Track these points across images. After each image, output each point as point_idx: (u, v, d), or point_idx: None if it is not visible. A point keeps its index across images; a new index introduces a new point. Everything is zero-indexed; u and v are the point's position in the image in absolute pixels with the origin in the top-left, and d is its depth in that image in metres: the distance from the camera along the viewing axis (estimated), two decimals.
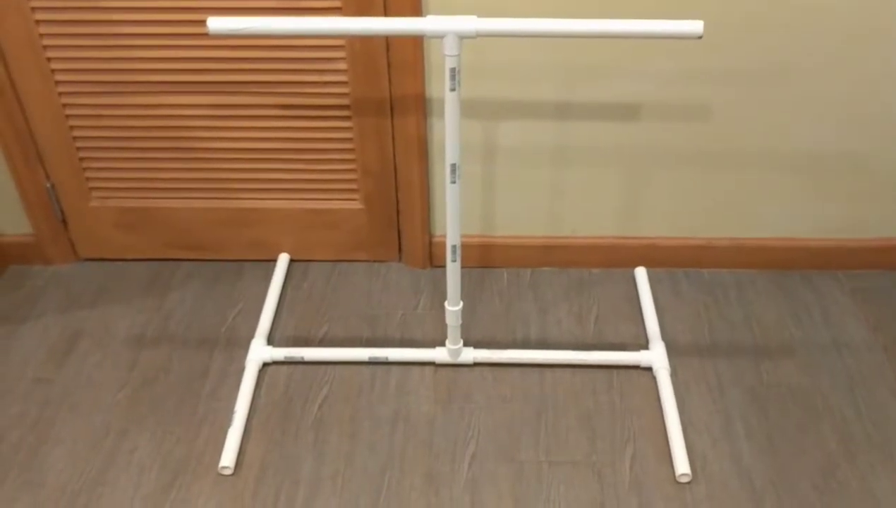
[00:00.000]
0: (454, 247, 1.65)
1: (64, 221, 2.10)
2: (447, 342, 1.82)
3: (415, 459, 1.68)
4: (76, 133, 1.94)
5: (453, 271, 1.69)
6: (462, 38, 1.41)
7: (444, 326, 1.96)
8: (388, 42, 1.78)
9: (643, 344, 1.91)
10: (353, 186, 2.02)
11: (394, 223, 2.08)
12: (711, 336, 1.93)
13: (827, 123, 1.88)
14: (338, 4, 1.72)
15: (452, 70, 1.43)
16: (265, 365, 1.87)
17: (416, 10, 1.71)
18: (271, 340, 1.94)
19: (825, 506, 1.57)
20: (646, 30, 1.38)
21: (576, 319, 1.98)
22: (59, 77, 1.85)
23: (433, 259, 2.13)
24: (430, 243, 2.10)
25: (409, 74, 1.81)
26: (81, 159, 1.98)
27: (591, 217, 2.05)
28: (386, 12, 1.73)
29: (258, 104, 1.88)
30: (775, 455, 1.67)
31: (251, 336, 1.94)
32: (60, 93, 1.88)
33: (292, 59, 1.82)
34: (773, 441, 1.69)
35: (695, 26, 1.37)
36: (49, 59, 1.83)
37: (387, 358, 1.86)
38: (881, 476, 1.62)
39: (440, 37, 1.41)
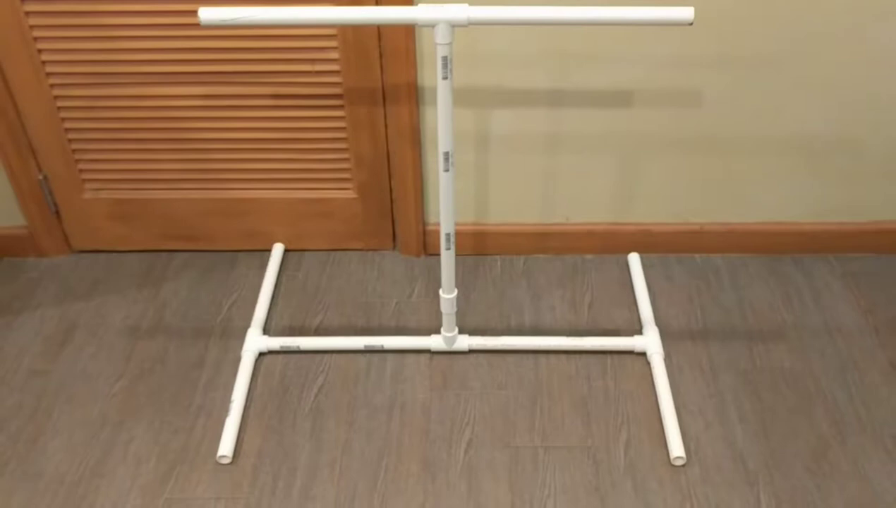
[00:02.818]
0: (448, 235, 1.66)
1: (57, 213, 2.09)
2: (442, 329, 1.83)
3: (411, 446, 1.69)
4: (68, 124, 1.93)
5: (447, 259, 1.70)
6: (454, 26, 1.41)
7: (438, 314, 1.97)
8: (380, 31, 1.78)
9: (637, 330, 1.92)
10: (347, 175, 2.02)
11: (388, 212, 2.08)
12: (704, 320, 1.94)
13: (819, 108, 1.89)
14: None
15: (444, 58, 1.43)
16: (261, 354, 1.88)
17: None
18: (267, 330, 1.95)
19: (817, 488, 1.59)
20: (637, 17, 1.38)
21: (570, 305, 1.99)
22: (49, 68, 1.85)
23: (427, 247, 2.13)
24: (424, 231, 2.11)
25: (401, 63, 1.81)
26: (74, 151, 1.98)
27: (584, 203, 2.06)
28: (377, 1, 1.73)
29: (250, 94, 1.88)
30: (768, 437, 1.68)
31: (247, 326, 1.95)
32: (52, 85, 1.87)
33: (284, 48, 1.81)
34: (766, 424, 1.71)
35: (685, 13, 1.38)
36: (40, 51, 1.82)
37: (382, 347, 1.87)
38: (872, 458, 1.64)
39: (432, 25, 1.41)
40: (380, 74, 1.85)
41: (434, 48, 1.78)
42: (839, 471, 1.62)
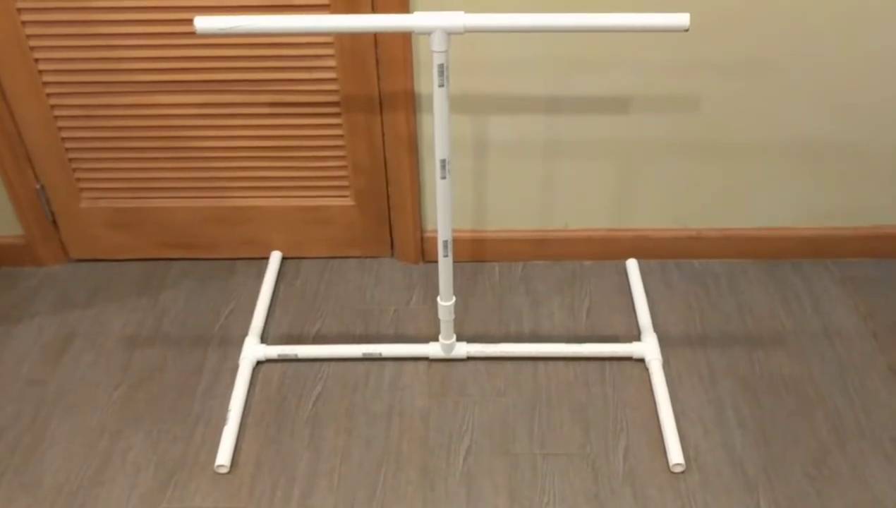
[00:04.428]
0: (446, 242, 1.66)
1: (54, 222, 2.09)
2: (440, 337, 1.83)
3: (410, 454, 1.68)
4: (65, 134, 1.93)
5: (445, 266, 1.70)
6: (450, 34, 1.41)
7: (437, 321, 1.97)
8: (377, 38, 1.78)
9: (635, 336, 1.92)
10: (345, 183, 2.02)
11: (385, 219, 2.08)
12: (703, 326, 1.94)
13: (817, 113, 1.89)
14: (326, 2, 1.72)
15: (440, 66, 1.43)
16: (259, 362, 1.88)
17: (404, 7, 1.71)
18: (265, 338, 1.94)
19: (817, 493, 1.59)
20: (633, 23, 1.39)
21: (568, 312, 1.99)
22: (46, 78, 1.85)
23: (425, 254, 2.13)
24: (422, 238, 2.10)
25: (398, 71, 1.81)
26: (71, 160, 1.98)
27: (582, 210, 2.06)
28: (374, 9, 1.73)
29: (248, 102, 1.88)
30: (767, 443, 1.68)
31: (245, 334, 1.94)
32: (49, 94, 1.87)
33: (281, 56, 1.82)
34: (766, 430, 1.70)
35: (681, 19, 1.38)
36: (36, 60, 1.82)
37: (380, 354, 1.86)
38: (872, 464, 1.64)
39: (428, 33, 1.41)
40: (377, 82, 1.85)
41: (431, 56, 1.78)
42: (839, 476, 1.62)
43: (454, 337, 1.83)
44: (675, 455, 1.64)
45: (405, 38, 1.77)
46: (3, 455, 1.70)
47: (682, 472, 1.63)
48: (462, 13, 1.39)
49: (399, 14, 1.42)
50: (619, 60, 1.81)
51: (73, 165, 1.99)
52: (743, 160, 1.96)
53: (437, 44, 1.41)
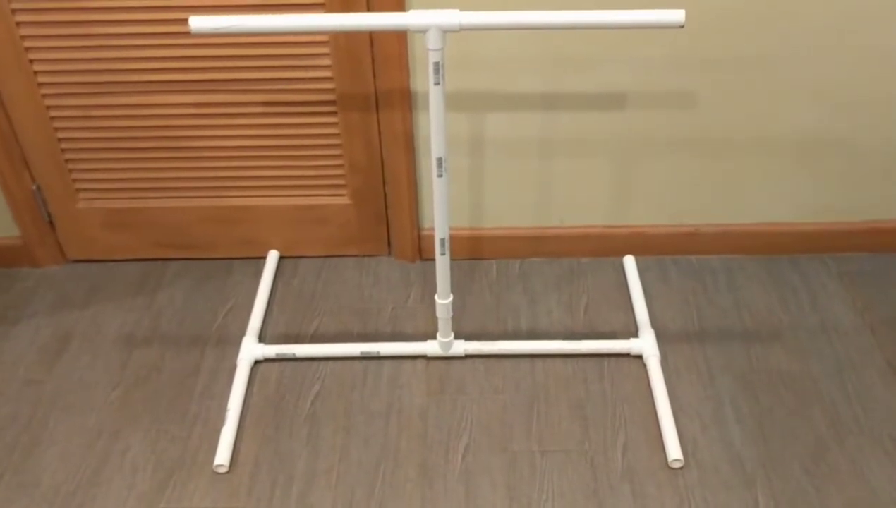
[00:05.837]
0: (443, 240, 1.66)
1: (51, 223, 2.09)
2: (438, 335, 1.83)
3: (409, 452, 1.68)
4: (61, 134, 1.93)
5: (442, 264, 1.70)
6: (445, 31, 1.41)
7: (434, 319, 1.97)
8: (372, 37, 1.78)
9: (633, 332, 1.92)
10: (341, 182, 2.02)
11: (382, 217, 2.08)
12: (700, 322, 1.94)
13: (813, 108, 1.89)
14: (321, 0, 1.72)
15: (436, 64, 1.43)
16: (257, 362, 1.88)
17: (399, 5, 1.71)
18: (262, 337, 1.94)
19: (816, 490, 1.59)
20: (628, 19, 1.38)
21: (566, 309, 1.99)
22: (41, 78, 1.84)
23: (422, 252, 2.13)
24: (419, 236, 2.10)
25: (394, 69, 1.81)
26: (67, 160, 1.98)
27: (579, 207, 2.06)
28: (369, 7, 1.73)
29: (243, 102, 1.88)
30: (766, 439, 1.68)
31: (242, 333, 1.94)
32: (44, 95, 1.87)
33: (277, 55, 1.81)
34: (764, 426, 1.71)
35: (677, 15, 1.38)
36: (31, 61, 1.82)
37: (378, 353, 1.86)
38: (870, 459, 1.64)
39: (423, 31, 1.41)
40: (372, 80, 1.84)
41: (426, 53, 1.77)
42: (837, 472, 1.62)
43: (452, 334, 1.84)
44: (674, 452, 1.64)
45: (401, 36, 1.77)
46: (0, 456, 1.70)
47: (681, 468, 1.64)
48: (457, 11, 1.39)
49: (394, 12, 1.41)
50: (615, 57, 1.80)
51: (70, 166, 1.99)
52: (739, 156, 1.96)
53: (433, 42, 1.41)
